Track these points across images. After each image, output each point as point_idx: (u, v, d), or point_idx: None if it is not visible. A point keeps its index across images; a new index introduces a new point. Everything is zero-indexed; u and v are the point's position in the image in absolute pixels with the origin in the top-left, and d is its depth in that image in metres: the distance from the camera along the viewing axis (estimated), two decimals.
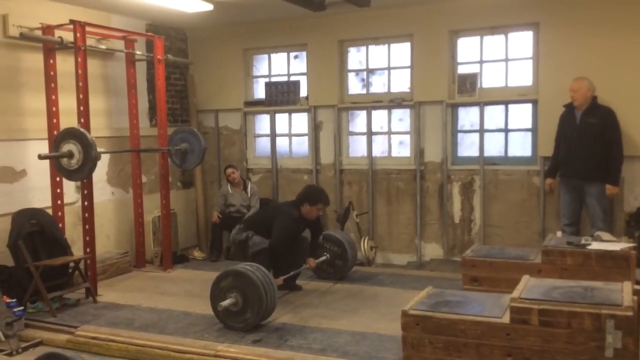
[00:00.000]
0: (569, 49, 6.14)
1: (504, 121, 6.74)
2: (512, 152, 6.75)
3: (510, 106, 6.70)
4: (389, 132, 7.30)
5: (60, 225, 5.88)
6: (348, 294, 5.67)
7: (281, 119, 7.80)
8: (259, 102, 7.86)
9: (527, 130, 6.66)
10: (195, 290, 5.94)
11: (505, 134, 6.75)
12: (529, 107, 6.59)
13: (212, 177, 8.13)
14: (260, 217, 5.98)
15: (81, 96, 5.69)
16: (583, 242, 4.61)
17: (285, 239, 5.50)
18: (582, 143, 5.77)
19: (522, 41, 6.59)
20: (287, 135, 7.83)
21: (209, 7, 6.35)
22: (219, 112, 8.02)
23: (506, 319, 3.35)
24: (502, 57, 6.68)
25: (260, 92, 7.92)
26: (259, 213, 6.43)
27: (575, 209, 5.98)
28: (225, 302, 4.66)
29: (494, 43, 6.72)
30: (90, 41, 6.08)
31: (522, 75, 6.60)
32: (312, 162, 7.52)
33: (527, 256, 4.74)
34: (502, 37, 6.65)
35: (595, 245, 4.55)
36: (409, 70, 7.07)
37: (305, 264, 5.82)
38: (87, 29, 5.81)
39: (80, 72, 5.67)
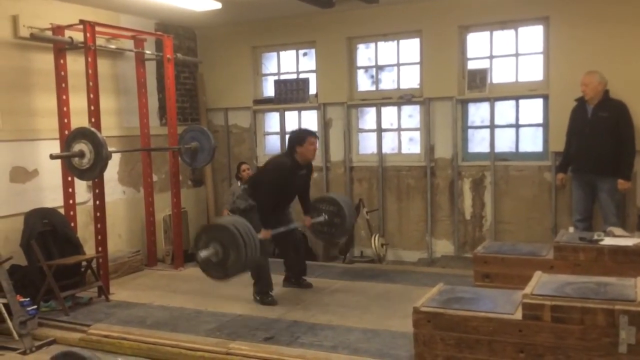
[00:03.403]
0: (580, 43, 6.09)
1: (515, 116, 6.70)
2: (523, 148, 6.71)
3: (521, 101, 6.65)
4: (399, 129, 7.28)
5: (72, 224, 5.92)
6: (359, 291, 5.66)
7: (291, 116, 7.80)
8: (268, 100, 7.86)
9: (538, 125, 6.62)
10: (206, 289, 5.94)
11: (516, 129, 6.71)
12: (539, 102, 6.54)
13: (222, 175, 8.15)
14: (258, 176, 5.65)
15: (92, 96, 5.72)
16: (595, 237, 4.57)
17: (268, 194, 5.26)
18: (593, 137, 5.71)
19: (533, 36, 6.55)
20: None
21: (218, 5, 6.35)
22: (228, 110, 8.03)
23: (518, 315, 3.33)
24: (512, 52, 6.63)
25: (269, 90, 7.92)
26: (259, 172, 5.93)
27: (587, 204, 5.93)
28: (204, 252, 4.59)
29: (504, 38, 6.68)
30: (100, 41, 6.11)
31: (533, 70, 6.55)
32: (322, 159, 7.50)
33: (539, 252, 4.71)
34: (512, 31, 6.60)
35: (607, 241, 4.51)
36: (418, 66, 7.05)
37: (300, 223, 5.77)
38: (97, 28, 5.83)
39: (90, 71, 5.70)
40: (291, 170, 5.36)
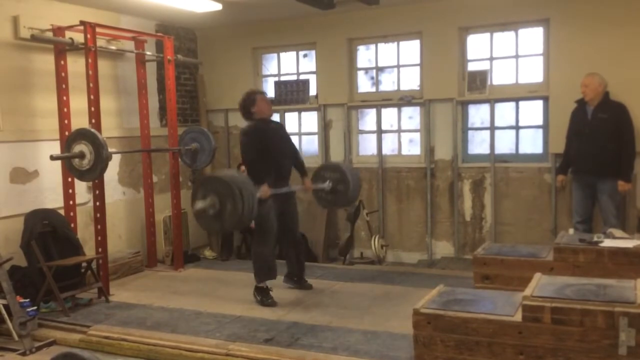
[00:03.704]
0: (580, 45, 6.09)
1: (515, 118, 6.70)
2: (523, 150, 6.71)
3: (521, 103, 6.66)
4: (399, 130, 7.29)
5: (72, 225, 5.92)
6: (359, 293, 5.66)
7: (291, 117, 7.80)
8: None
9: (538, 127, 6.62)
10: (206, 290, 5.96)
11: (516, 131, 6.72)
12: (539, 103, 6.55)
13: None
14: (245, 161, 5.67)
15: (92, 97, 5.72)
16: (595, 239, 4.58)
17: (251, 153, 5.34)
18: (593, 139, 5.72)
19: (533, 37, 6.55)
20: (297, 134, 7.82)
21: (218, 6, 6.36)
22: (228, 111, 8.03)
23: (518, 317, 3.33)
24: (513, 54, 6.64)
25: (269, 91, 7.91)
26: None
27: (587, 205, 5.93)
28: (200, 204, 4.58)
29: (504, 40, 6.68)
30: (100, 42, 6.11)
31: (533, 72, 6.56)
32: (322, 160, 7.49)
33: (539, 254, 4.71)
34: (512, 33, 6.61)
35: (607, 243, 4.51)
36: (418, 67, 7.06)
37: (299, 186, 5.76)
38: (97, 29, 5.83)
39: (91, 73, 5.70)
40: (258, 128, 5.38)
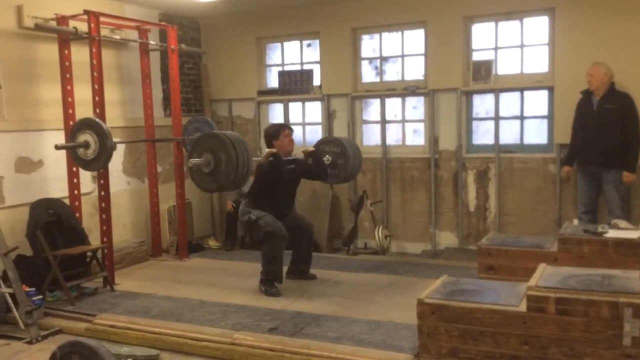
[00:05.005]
0: (585, 34, 6.06)
1: (520, 108, 6.68)
2: (527, 140, 6.69)
3: (526, 93, 6.63)
4: (403, 121, 7.27)
5: (78, 214, 5.94)
6: (363, 283, 5.67)
7: (295, 107, 7.79)
8: (272, 91, 7.85)
9: (543, 117, 6.60)
10: (211, 279, 5.98)
11: (521, 121, 6.70)
12: (544, 93, 6.52)
13: None
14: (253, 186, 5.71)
15: (96, 86, 5.72)
16: (600, 230, 4.57)
17: (258, 185, 5.49)
18: (599, 129, 5.70)
19: (538, 27, 6.52)
20: (300, 124, 7.82)
21: None
22: (232, 101, 8.02)
23: (523, 307, 3.34)
24: (518, 43, 6.61)
25: (273, 81, 7.91)
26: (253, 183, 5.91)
27: (592, 196, 5.92)
28: (194, 160, 4.70)
29: (509, 29, 6.65)
30: (104, 31, 6.10)
31: (538, 62, 6.53)
32: None
33: (543, 244, 4.71)
34: (517, 22, 6.57)
35: (612, 233, 4.51)
36: (422, 57, 7.02)
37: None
38: (101, 19, 5.82)
39: (95, 62, 5.69)
40: (273, 165, 5.40)
